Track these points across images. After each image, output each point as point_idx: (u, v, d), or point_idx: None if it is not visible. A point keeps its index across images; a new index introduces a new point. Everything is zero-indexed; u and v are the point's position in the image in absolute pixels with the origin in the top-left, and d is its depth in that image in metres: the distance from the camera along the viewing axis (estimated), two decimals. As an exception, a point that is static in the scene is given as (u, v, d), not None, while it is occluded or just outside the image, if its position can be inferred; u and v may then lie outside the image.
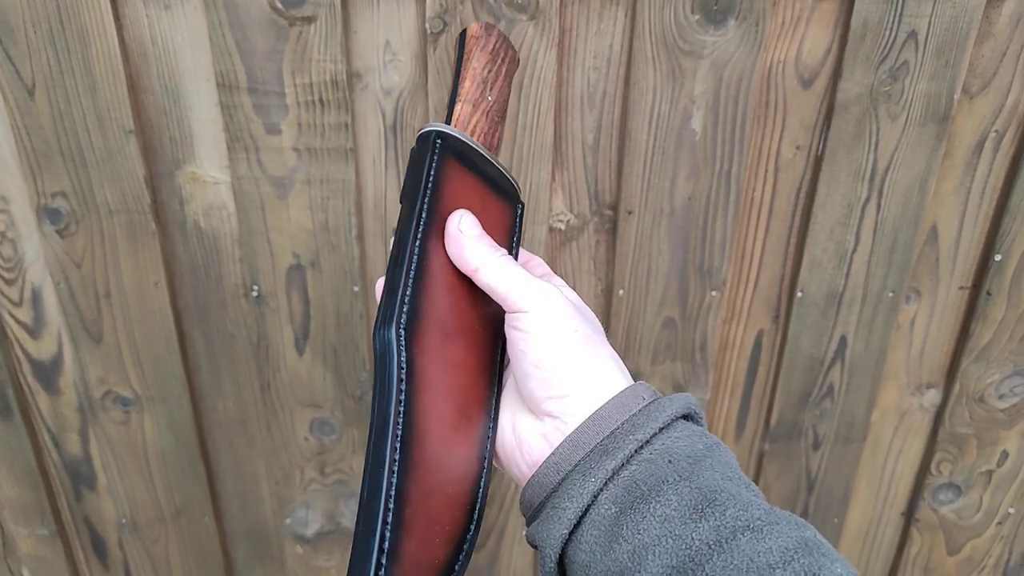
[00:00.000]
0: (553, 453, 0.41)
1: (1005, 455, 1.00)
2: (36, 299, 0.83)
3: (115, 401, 0.90)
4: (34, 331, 0.85)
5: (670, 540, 0.36)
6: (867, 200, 0.84)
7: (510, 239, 0.53)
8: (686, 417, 0.43)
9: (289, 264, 0.83)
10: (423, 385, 0.42)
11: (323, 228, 0.81)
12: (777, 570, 0.34)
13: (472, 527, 0.43)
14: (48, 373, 0.88)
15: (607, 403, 0.41)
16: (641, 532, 0.37)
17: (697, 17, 0.73)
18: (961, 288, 0.90)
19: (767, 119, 0.80)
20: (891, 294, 0.89)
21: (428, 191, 0.47)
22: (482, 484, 0.44)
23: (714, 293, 0.89)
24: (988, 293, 0.89)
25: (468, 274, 0.46)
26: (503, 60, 0.56)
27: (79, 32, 0.71)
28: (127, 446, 0.93)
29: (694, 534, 0.36)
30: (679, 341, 0.91)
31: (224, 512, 1.00)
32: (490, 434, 0.45)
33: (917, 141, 0.81)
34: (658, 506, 0.37)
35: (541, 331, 0.43)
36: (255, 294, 0.85)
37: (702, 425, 0.43)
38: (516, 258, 0.53)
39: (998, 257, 0.87)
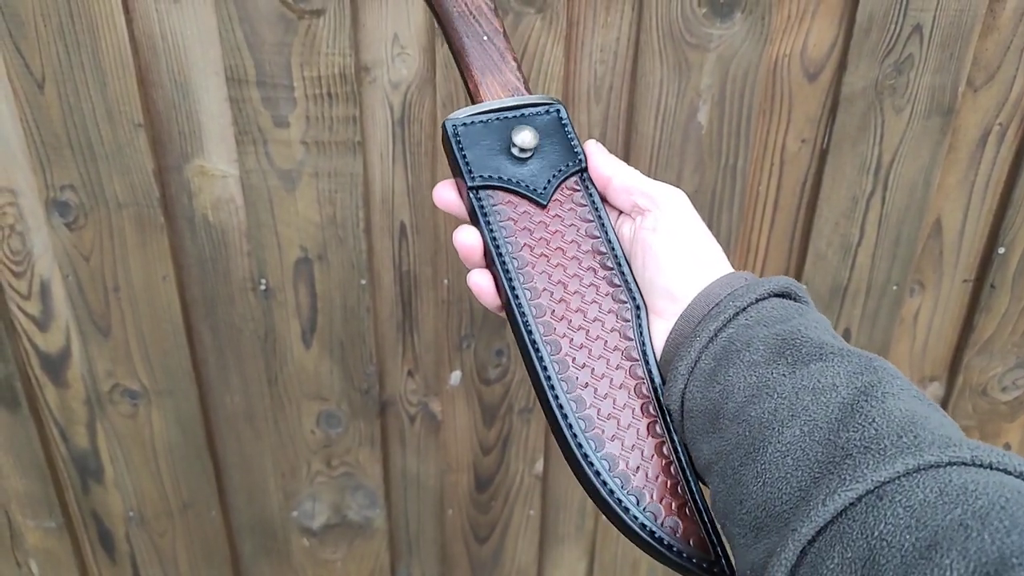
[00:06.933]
0: (671, 331, 0.48)
1: (1008, 448, 1.00)
2: (44, 292, 0.84)
3: (123, 394, 0.90)
4: (42, 324, 0.86)
5: (753, 377, 0.42)
6: (872, 193, 0.84)
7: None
8: (785, 295, 0.47)
9: (297, 257, 0.84)
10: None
11: (331, 221, 0.82)
12: (840, 388, 0.38)
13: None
14: (56, 366, 0.88)
15: (713, 282, 0.47)
16: (731, 375, 0.43)
17: (704, 10, 0.74)
18: (965, 281, 0.91)
19: (772, 112, 0.80)
20: (895, 287, 0.90)
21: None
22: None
23: (719, 286, 0.89)
24: (992, 286, 0.89)
25: (603, 186, 0.52)
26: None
27: (89, 26, 0.71)
28: (134, 439, 0.93)
29: (773, 369, 0.42)
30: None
31: (231, 505, 1.00)
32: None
33: (922, 134, 0.81)
34: (747, 355, 0.43)
35: (670, 226, 0.49)
36: (263, 287, 0.85)
37: (804, 301, 0.48)
38: None
39: (1001, 250, 0.87)
